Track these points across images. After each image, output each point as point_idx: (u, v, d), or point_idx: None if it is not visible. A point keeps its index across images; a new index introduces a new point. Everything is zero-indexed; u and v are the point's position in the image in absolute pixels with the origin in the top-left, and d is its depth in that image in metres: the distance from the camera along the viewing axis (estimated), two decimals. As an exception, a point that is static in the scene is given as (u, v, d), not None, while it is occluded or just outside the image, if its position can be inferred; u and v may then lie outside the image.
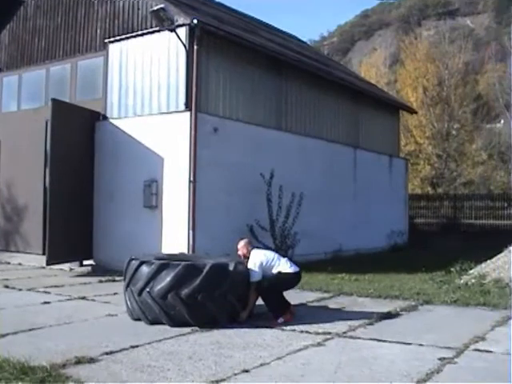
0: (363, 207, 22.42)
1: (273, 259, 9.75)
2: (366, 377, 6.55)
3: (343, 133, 22.21)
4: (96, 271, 15.84)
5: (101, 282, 13.97)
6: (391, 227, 24.42)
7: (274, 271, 9.64)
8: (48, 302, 11.07)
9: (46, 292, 12.43)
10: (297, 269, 9.85)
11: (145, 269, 9.25)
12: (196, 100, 15.19)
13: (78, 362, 6.91)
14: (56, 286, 13.15)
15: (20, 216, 19.41)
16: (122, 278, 14.32)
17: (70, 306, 10.95)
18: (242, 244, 10.09)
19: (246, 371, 6.69)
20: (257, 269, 9.53)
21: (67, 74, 18.53)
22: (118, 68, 16.99)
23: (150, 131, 16.01)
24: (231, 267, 9.31)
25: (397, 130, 27.46)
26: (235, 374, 6.57)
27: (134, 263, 9.48)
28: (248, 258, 9.82)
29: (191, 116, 15.15)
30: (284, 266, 9.72)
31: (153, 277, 9.08)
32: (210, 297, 8.96)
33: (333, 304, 11.46)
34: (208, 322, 8.96)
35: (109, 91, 17.20)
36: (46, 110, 17.89)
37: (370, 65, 54.96)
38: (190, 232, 14.85)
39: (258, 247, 10.70)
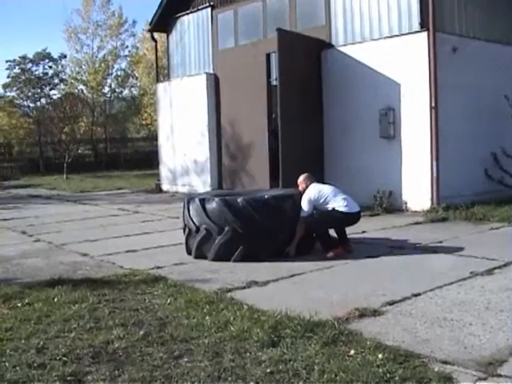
0: None
1: (327, 195, 9.57)
2: None
3: None
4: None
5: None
6: None
7: (329, 207, 9.51)
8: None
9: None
10: (353, 209, 9.59)
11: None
12: (433, 18, 13.65)
13: (362, 315, 6.12)
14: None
15: (245, 154, 19.18)
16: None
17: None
18: (300, 179, 9.98)
19: None
20: (306, 204, 9.47)
21: (285, 4, 17.68)
22: (341, -8, 15.90)
23: (382, 56, 14.80)
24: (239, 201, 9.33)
25: None
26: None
27: None
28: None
29: (429, 36, 13.66)
30: (339, 203, 9.51)
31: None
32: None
33: None
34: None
35: (332, 17, 16.15)
36: (266, 42, 17.45)
37: None
38: (434, 163, 13.60)
39: (318, 181, 10.21)
